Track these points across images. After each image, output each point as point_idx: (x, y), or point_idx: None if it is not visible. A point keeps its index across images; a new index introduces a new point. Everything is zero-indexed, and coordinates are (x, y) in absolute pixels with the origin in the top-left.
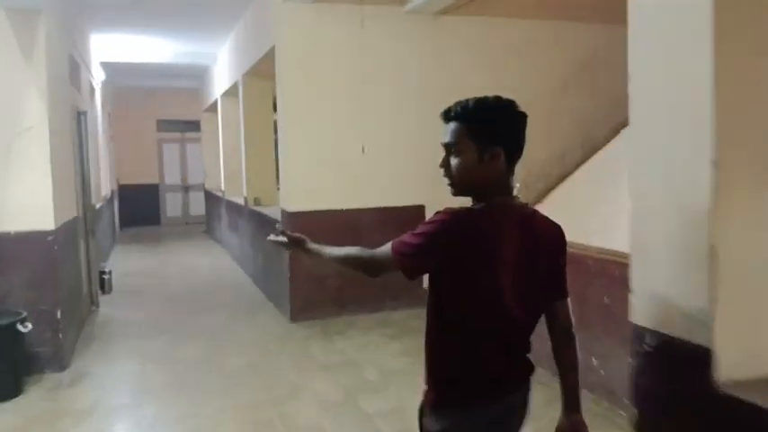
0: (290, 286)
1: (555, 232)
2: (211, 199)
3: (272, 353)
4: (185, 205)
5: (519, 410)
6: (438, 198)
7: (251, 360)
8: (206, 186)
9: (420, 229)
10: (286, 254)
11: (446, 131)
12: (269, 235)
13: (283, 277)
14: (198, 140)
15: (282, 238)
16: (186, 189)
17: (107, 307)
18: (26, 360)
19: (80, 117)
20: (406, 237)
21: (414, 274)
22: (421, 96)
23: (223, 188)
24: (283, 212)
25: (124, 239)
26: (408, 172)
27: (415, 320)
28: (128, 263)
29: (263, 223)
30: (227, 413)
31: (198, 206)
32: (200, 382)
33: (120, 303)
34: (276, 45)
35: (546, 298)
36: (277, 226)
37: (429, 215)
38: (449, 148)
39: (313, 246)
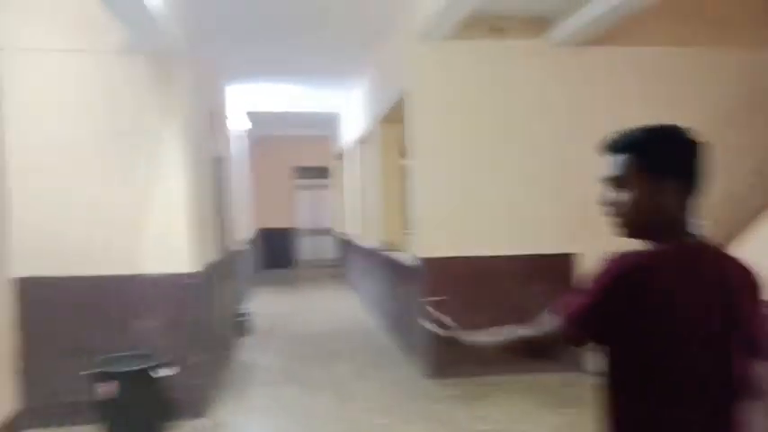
0: (426, 340)
1: (749, 276)
2: (344, 243)
3: (411, 415)
4: (317, 249)
5: None
6: (591, 245)
7: (388, 423)
8: (336, 231)
9: (594, 283)
10: (423, 307)
11: (611, 164)
12: (422, 313)
13: (419, 330)
14: (328, 186)
15: (437, 328)
16: (318, 233)
17: (243, 351)
18: (165, 406)
19: (219, 164)
20: (578, 298)
21: (589, 342)
22: (567, 134)
23: (353, 233)
24: (416, 259)
25: (261, 282)
26: (555, 216)
27: (570, 388)
28: (266, 305)
29: (394, 268)
30: None
31: (329, 250)
32: None
33: (257, 346)
34: (409, 87)
35: (740, 355)
36: (429, 308)
37: (580, 265)
38: (616, 183)
39: (465, 334)
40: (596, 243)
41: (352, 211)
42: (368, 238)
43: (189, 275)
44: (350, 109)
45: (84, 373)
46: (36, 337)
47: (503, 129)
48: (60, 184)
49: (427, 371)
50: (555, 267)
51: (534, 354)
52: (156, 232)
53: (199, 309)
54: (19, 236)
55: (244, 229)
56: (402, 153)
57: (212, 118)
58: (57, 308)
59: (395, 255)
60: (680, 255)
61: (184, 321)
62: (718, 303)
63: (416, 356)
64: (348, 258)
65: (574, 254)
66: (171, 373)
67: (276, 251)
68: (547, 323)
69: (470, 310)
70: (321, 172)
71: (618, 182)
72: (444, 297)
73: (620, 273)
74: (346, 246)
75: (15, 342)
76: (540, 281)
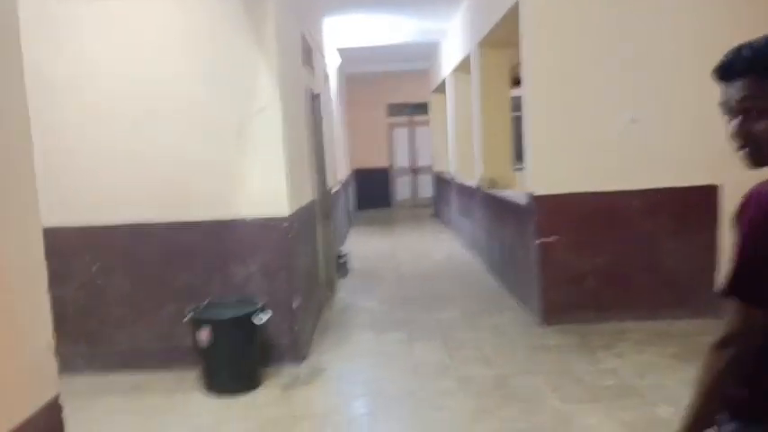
0: (538, 283)
1: None
2: (440, 182)
3: (523, 366)
4: (414, 188)
5: None
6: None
7: (499, 373)
8: (434, 169)
9: (737, 233)
10: (534, 245)
11: (729, 90)
12: None
13: (530, 272)
14: (426, 123)
15: None
16: (415, 172)
17: (344, 291)
18: (264, 351)
19: (314, 99)
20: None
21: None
22: (705, 52)
23: (453, 170)
24: (530, 196)
25: (358, 222)
26: (692, 144)
27: (708, 337)
28: (363, 246)
29: (500, 207)
30: None
31: (426, 189)
32: (441, 395)
33: (357, 288)
34: (520, 1)
35: None
36: None
37: (724, 199)
38: (741, 109)
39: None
40: (742, 173)
41: (453, 147)
42: (469, 175)
43: (287, 217)
44: (450, 37)
45: (185, 319)
46: (141, 282)
47: (628, 48)
48: (152, 128)
49: (541, 316)
50: (693, 201)
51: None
52: (252, 174)
53: (297, 251)
54: (125, 184)
55: (341, 170)
56: (508, 81)
57: (306, 52)
58: (156, 254)
59: (501, 193)
60: None
61: (283, 265)
62: None
63: (528, 301)
64: (447, 197)
65: (716, 185)
66: (269, 319)
67: (372, 191)
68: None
69: (588, 251)
70: (418, 108)
71: (744, 107)
72: (557, 237)
73: (759, 211)
74: (445, 184)
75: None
76: (671, 217)
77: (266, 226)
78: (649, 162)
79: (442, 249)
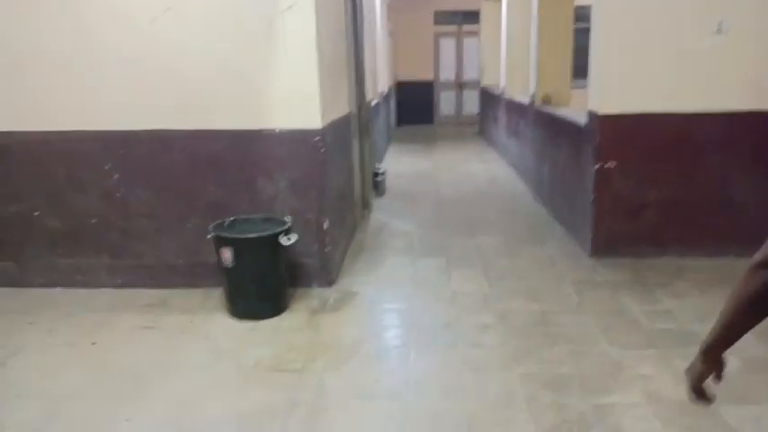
0: (592, 211)
1: None
2: (487, 98)
3: (571, 303)
4: (459, 104)
5: None
6: None
7: (545, 309)
8: (482, 84)
9: None
10: (591, 171)
11: None
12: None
13: (584, 199)
14: (476, 33)
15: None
16: (461, 86)
17: (379, 211)
18: (292, 273)
19: (354, 3)
20: None
21: None
22: None
23: (503, 85)
24: (592, 115)
25: (399, 138)
26: None
27: None
28: (402, 164)
29: (554, 127)
30: (516, 392)
31: (471, 105)
32: (479, 330)
33: (393, 209)
34: None
35: None
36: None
37: None
38: None
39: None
40: None
41: (504, 60)
42: (521, 91)
43: (319, 130)
44: None
45: (209, 235)
46: (164, 193)
47: None
48: (171, 27)
49: (592, 248)
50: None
51: None
52: (282, 80)
53: (330, 168)
54: (144, 88)
55: (381, 81)
56: None
57: None
58: (179, 164)
59: (557, 110)
60: None
61: (314, 182)
62: None
63: (579, 231)
64: (494, 115)
65: None
66: (297, 240)
67: (415, 106)
68: None
69: (651, 180)
70: (468, 16)
71: None
72: (616, 162)
73: None
74: (493, 100)
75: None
76: (747, 147)
77: (296, 139)
78: (733, 81)
79: (485, 171)
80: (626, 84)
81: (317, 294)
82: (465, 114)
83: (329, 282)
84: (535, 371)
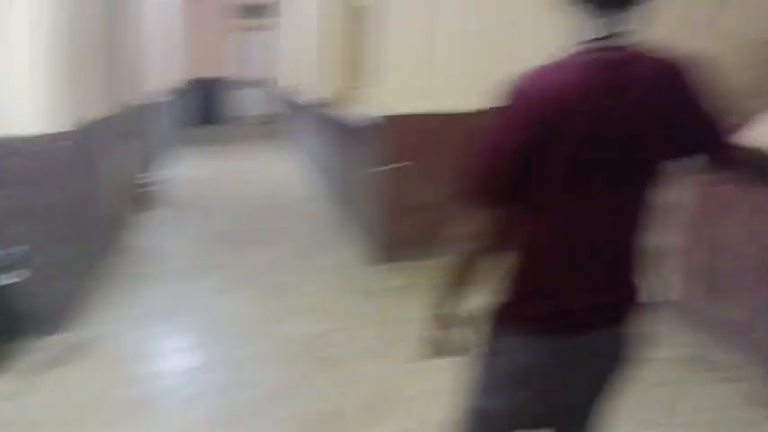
0: (375, 216)
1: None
2: (283, 98)
3: (352, 318)
4: (255, 103)
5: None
6: None
7: (322, 329)
8: (278, 82)
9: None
10: (372, 174)
11: None
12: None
13: (367, 203)
14: (269, 28)
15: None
16: (258, 85)
17: (146, 231)
18: (9, 321)
19: None
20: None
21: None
22: None
23: (295, 85)
24: (367, 117)
25: (188, 142)
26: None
27: None
28: (185, 170)
29: (338, 129)
30: None
31: (271, 105)
32: (239, 367)
33: (165, 224)
34: None
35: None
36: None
37: None
38: None
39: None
40: None
41: (294, 58)
42: (311, 91)
43: (53, 137)
44: None
45: None
46: None
47: None
48: None
49: (376, 254)
50: None
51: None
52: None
53: (70, 183)
54: None
55: (161, 78)
56: None
57: None
58: None
59: (340, 112)
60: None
61: (47, 203)
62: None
63: (365, 236)
64: (291, 116)
65: None
66: (19, 279)
67: (207, 105)
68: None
69: (429, 182)
70: (268, 10)
71: None
72: (407, 162)
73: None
74: (287, 101)
75: None
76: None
77: (21, 148)
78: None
79: (281, 176)
80: (405, 83)
81: (41, 346)
82: (263, 115)
83: (63, 327)
84: (296, 410)
